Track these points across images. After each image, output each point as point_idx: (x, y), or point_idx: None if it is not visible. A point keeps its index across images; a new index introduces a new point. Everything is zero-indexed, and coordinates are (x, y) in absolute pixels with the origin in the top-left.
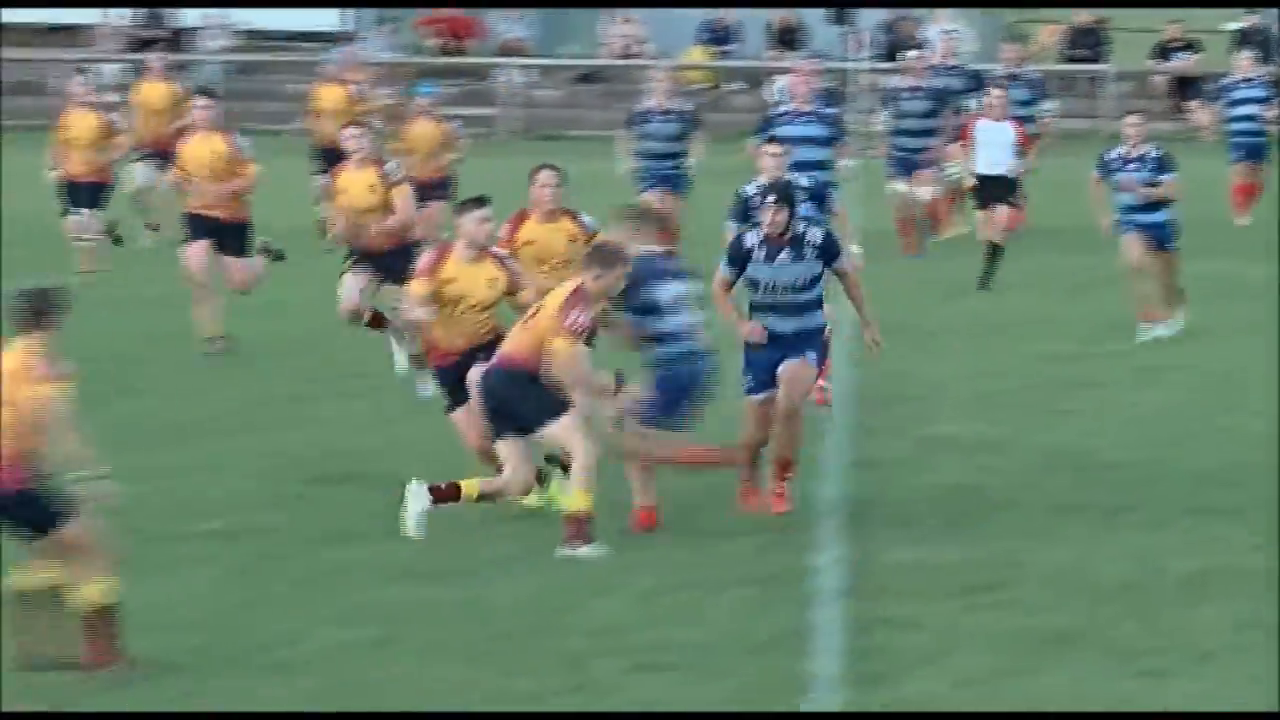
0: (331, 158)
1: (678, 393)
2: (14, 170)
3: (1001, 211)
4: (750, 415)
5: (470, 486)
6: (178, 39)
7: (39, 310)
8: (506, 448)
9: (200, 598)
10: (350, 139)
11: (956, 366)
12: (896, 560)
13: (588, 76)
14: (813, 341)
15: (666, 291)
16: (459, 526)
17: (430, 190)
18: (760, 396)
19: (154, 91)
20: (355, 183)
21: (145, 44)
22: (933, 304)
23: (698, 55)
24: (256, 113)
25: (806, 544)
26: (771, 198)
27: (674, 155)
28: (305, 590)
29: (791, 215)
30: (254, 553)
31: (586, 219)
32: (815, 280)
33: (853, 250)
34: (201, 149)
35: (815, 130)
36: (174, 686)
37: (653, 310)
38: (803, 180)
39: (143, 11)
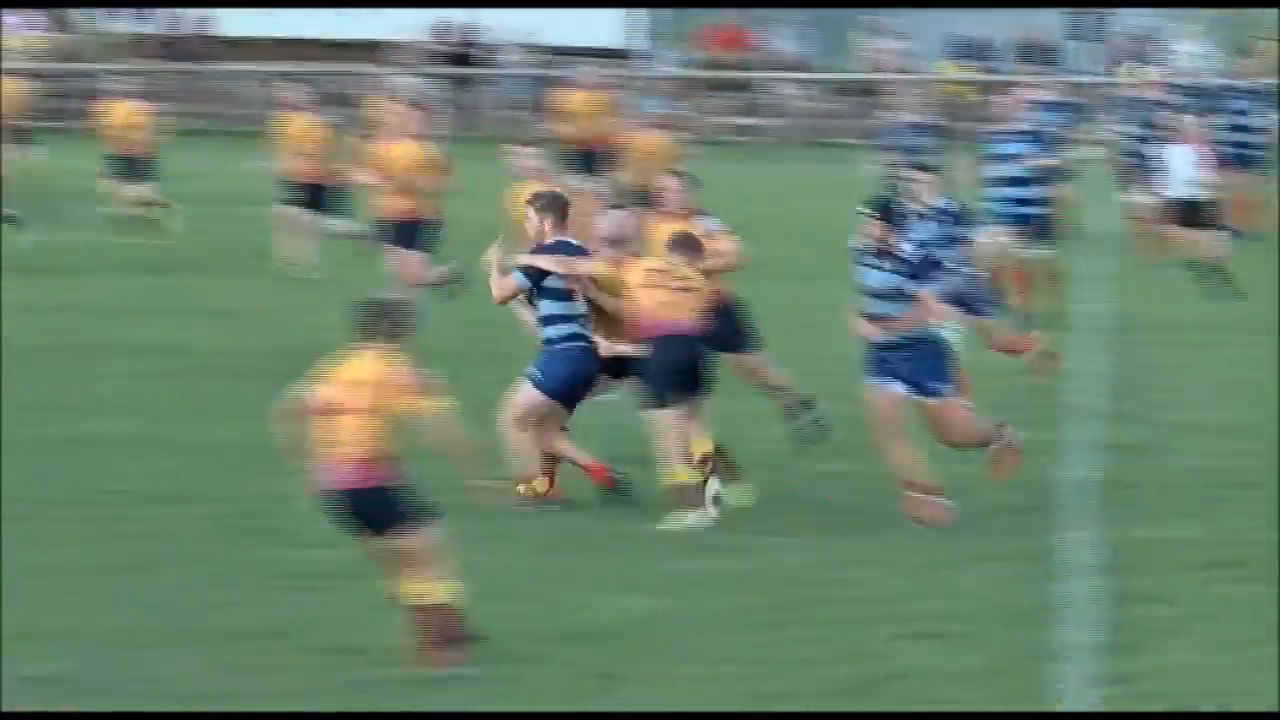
0: (578, 161)
1: (576, 368)
2: None
3: (1198, 235)
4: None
5: (676, 477)
6: (469, 54)
7: (392, 321)
8: (677, 414)
9: (510, 570)
10: (523, 157)
11: (1198, 358)
12: (1143, 537)
13: (852, 88)
14: (935, 371)
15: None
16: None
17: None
18: (881, 386)
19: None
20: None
21: (445, 58)
22: (1176, 301)
23: (951, 70)
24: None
25: (1059, 523)
26: (865, 209)
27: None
28: (604, 562)
29: (888, 229)
30: (558, 527)
31: (710, 221)
32: (899, 292)
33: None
34: (399, 153)
35: (1022, 149)
36: (477, 651)
37: (564, 296)
38: (941, 202)
39: (443, 28)
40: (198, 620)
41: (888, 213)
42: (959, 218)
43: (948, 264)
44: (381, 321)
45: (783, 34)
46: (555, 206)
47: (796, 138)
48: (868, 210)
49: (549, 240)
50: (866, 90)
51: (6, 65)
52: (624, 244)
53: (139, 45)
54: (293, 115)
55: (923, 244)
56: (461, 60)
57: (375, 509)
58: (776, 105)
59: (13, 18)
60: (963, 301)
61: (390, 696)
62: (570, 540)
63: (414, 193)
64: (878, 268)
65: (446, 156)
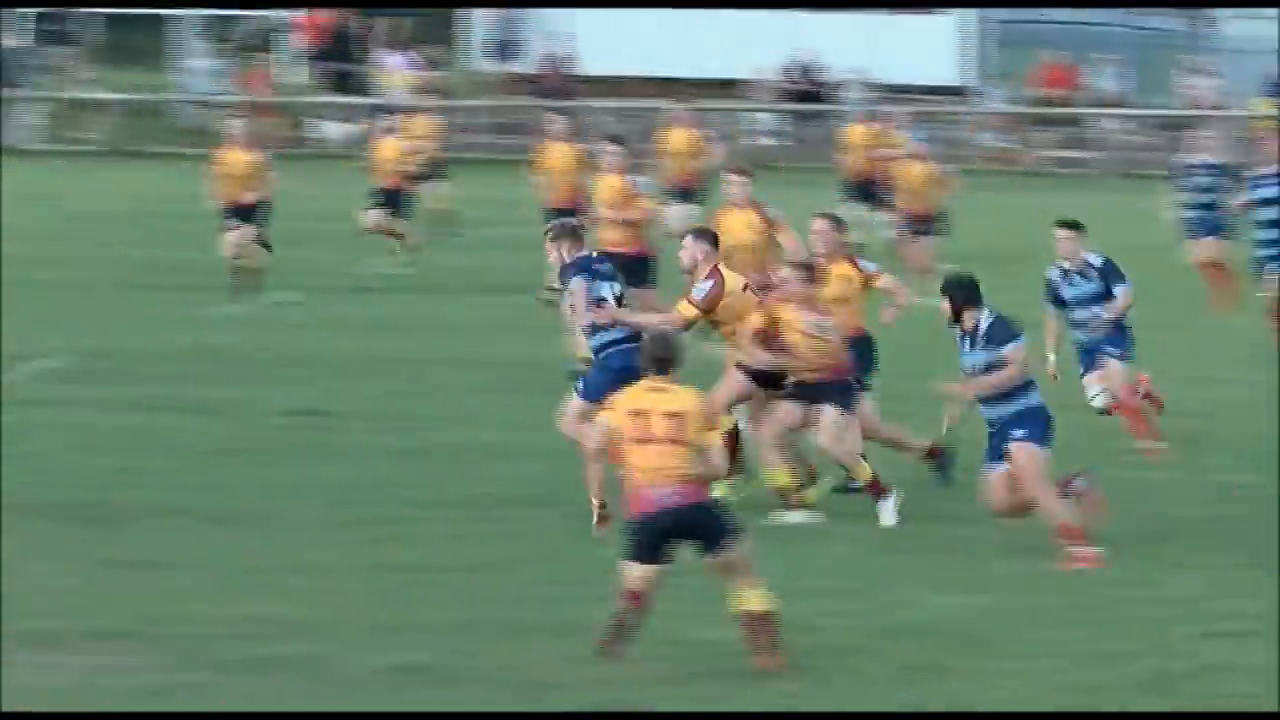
0: (860, 191)
1: (620, 372)
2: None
3: None
4: (985, 486)
5: (861, 472)
6: (819, 92)
7: (678, 355)
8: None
9: (838, 569)
10: (733, 184)
11: None
12: None
13: (1170, 123)
14: (1021, 422)
15: (606, 288)
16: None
17: (921, 226)
18: (992, 470)
19: (680, 136)
20: (735, 222)
21: (795, 96)
22: None
23: (1264, 107)
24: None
25: None
26: (941, 285)
27: (1214, 206)
28: (925, 563)
29: (956, 307)
30: (880, 530)
31: (864, 263)
32: (993, 367)
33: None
34: (602, 188)
35: (1272, 191)
36: (808, 643)
37: (596, 304)
38: (1089, 257)
39: (794, 66)
40: (550, 614)
41: (952, 289)
42: (1104, 271)
43: (1098, 317)
44: (673, 356)
45: (1105, 71)
46: (567, 233)
47: (1116, 170)
48: (941, 285)
49: (568, 260)
50: (1184, 125)
51: (398, 101)
52: (694, 272)
53: (508, 83)
54: (552, 145)
55: (1077, 300)
56: (808, 97)
57: (706, 523)
58: (1099, 139)
59: (394, 57)
60: (1104, 351)
61: (725, 688)
62: (893, 542)
63: (622, 226)
64: (970, 345)
65: (641, 190)
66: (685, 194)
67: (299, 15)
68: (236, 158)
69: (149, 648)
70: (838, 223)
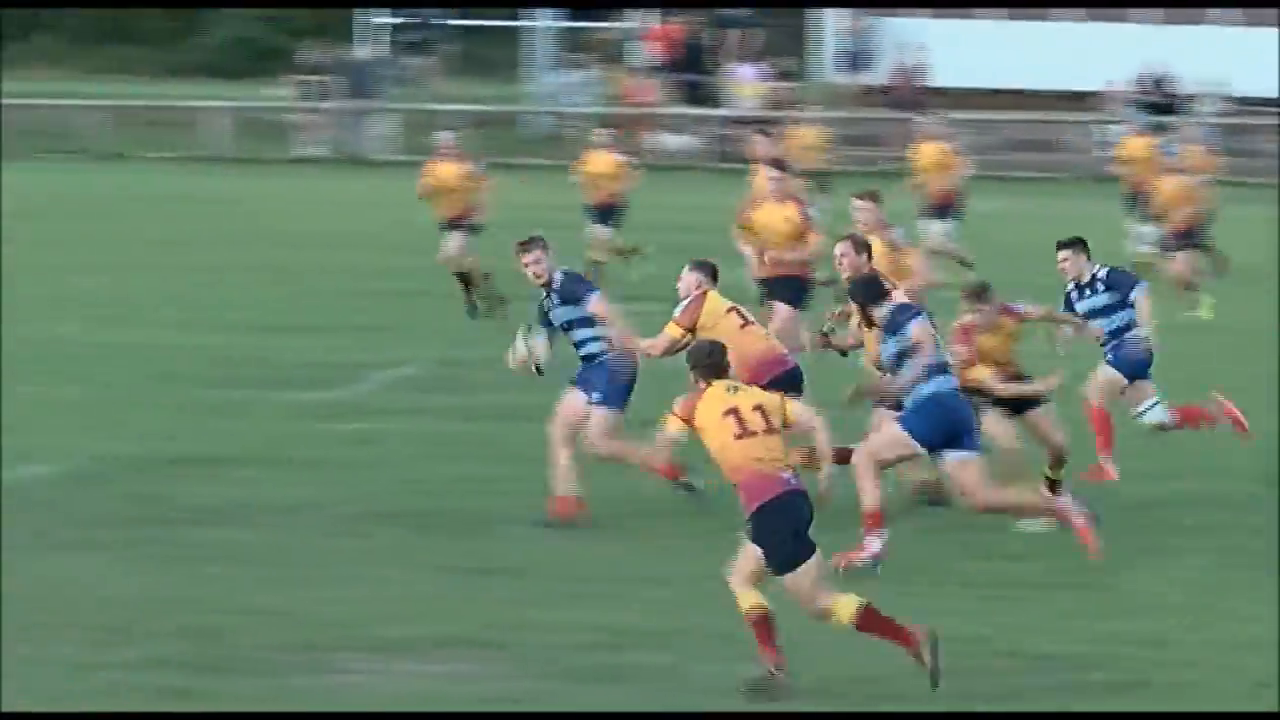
0: (1137, 204)
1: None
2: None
3: None
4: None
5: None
6: (1172, 103)
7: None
8: None
9: (1177, 583)
10: (858, 210)
11: None
12: None
13: None
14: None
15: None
16: None
17: (1181, 240)
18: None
19: (930, 151)
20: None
21: (1148, 108)
22: None
23: None
24: (1244, 168)
25: None
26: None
27: None
28: (1263, 577)
29: (863, 307)
30: (1223, 546)
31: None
32: (904, 354)
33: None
34: (774, 216)
35: None
36: (1162, 660)
37: (588, 322)
38: (1094, 271)
39: (1148, 78)
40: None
41: (854, 296)
42: (1110, 283)
43: (1113, 329)
44: (724, 360)
45: None
46: (546, 247)
47: None
48: (849, 296)
49: (556, 275)
50: None
51: (758, 113)
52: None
53: (859, 95)
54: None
55: (1090, 313)
56: (1164, 109)
57: (810, 521)
58: None
59: (745, 68)
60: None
61: (1061, 700)
62: (1227, 556)
63: (788, 258)
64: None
65: (813, 220)
66: (940, 211)
67: (652, 25)
68: (447, 170)
69: (500, 655)
70: (858, 244)
